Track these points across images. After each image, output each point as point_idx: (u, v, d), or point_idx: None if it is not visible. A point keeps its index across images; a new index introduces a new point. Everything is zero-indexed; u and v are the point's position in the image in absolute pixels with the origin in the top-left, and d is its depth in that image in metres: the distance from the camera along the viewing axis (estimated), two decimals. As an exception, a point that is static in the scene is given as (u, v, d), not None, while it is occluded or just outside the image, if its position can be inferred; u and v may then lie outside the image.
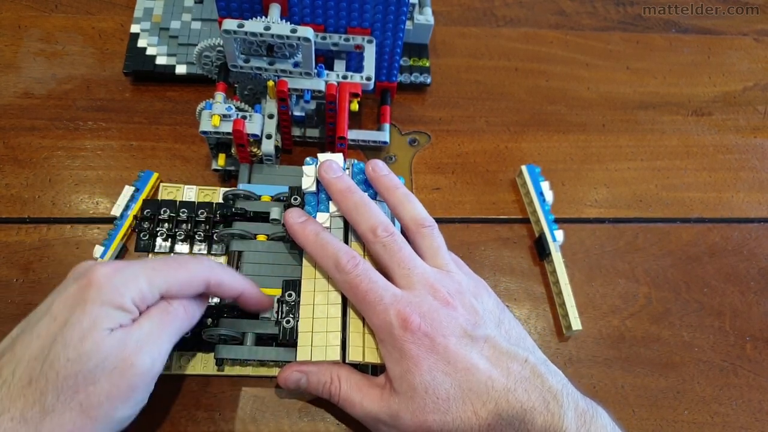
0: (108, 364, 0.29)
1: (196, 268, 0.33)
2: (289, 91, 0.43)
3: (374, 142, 0.49)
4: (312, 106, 0.49)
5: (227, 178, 0.47)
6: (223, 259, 0.42)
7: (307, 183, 0.40)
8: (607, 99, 0.56)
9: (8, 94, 0.50)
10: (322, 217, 0.40)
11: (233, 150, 0.44)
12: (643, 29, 0.62)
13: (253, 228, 0.41)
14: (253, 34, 0.41)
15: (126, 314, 0.30)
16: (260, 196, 0.42)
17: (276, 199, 0.43)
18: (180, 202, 0.43)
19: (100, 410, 0.29)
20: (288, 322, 0.37)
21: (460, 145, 0.52)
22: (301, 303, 0.38)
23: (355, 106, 0.45)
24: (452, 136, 0.52)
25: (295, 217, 0.39)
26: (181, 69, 0.51)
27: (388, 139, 0.49)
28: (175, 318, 0.32)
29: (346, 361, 0.36)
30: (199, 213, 0.42)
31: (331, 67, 0.47)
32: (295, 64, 0.44)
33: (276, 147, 0.44)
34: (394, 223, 0.39)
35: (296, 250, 0.41)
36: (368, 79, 0.45)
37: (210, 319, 0.39)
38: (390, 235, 0.36)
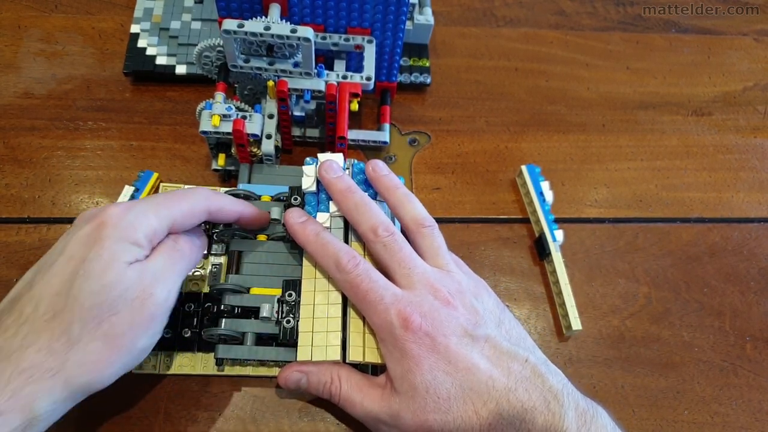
0: (129, 295, 0.31)
1: (197, 198, 0.36)
2: (289, 91, 0.43)
3: (374, 142, 0.49)
4: (312, 106, 0.49)
5: (227, 178, 0.47)
6: (223, 259, 0.42)
7: (308, 183, 0.40)
8: (607, 99, 0.56)
9: (8, 94, 0.50)
10: (322, 217, 0.40)
11: (233, 150, 0.44)
12: (643, 29, 0.62)
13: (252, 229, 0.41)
14: (253, 34, 0.41)
15: (140, 249, 0.32)
16: (260, 196, 0.42)
17: (276, 199, 0.43)
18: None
19: (124, 339, 0.31)
20: (288, 322, 0.37)
21: (460, 145, 0.52)
22: (301, 303, 0.38)
23: (355, 106, 0.45)
24: (452, 136, 0.52)
25: (295, 217, 0.39)
26: (181, 69, 0.51)
27: (388, 139, 0.49)
28: (182, 255, 0.34)
29: (347, 361, 0.36)
30: (199, 213, 0.42)
31: (331, 67, 0.47)
32: (295, 64, 0.44)
33: (276, 147, 0.44)
34: (394, 223, 0.39)
35: (296, 250, 0.41)
36: (368, 79, 0.45)
37: (210, 319, 0.39)
38: (390, 235, 0.36)
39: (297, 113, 0.48)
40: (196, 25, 0.52)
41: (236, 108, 0.44)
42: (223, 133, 0.42)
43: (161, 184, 0.45)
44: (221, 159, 0.45)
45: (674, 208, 0.51)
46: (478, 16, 0.60)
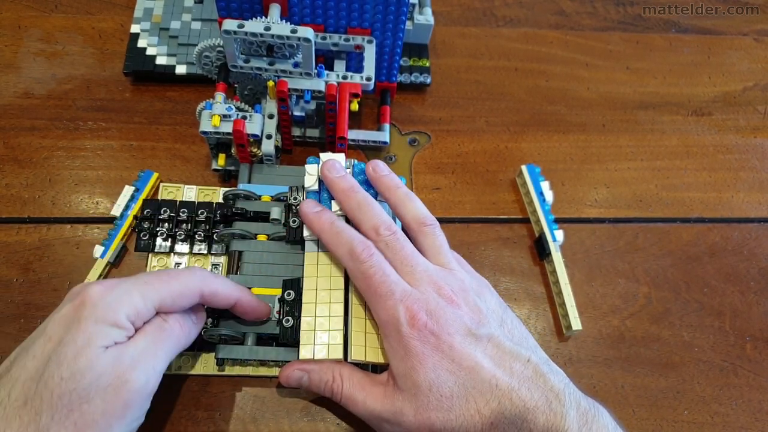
0: (102, 382, 0.29)
1: (189, 279, 0.34)
2: (289, 91, 0.43)
3: (374, 142, 0.49)
4: (312, 106, 0.49)
5: (227, 178, 0.47)
6: (223, 259, 0.42)
7: (310, 182, 0.40)
8: (607, 99, 0.56)
9: (8, 94, 0.50)
10: None
11: (233, 150, 0.44)
12: (643, 29, 0.62)
13: (254, 228, 0.41)
14: (253, 35, 0.41)
15: (121, 331, 0.30)
16: (260, 196, 0.42)
17: (276, 199, 0.43)
18: (180, 202, 0.43)
19: (96, 429, 0.29)
20: (288, 321, 0.37)
21: (460, 145, 0.52)
22: (303, 302, 0.38)
23: (355, 106, 0.45)
24: (452, 136, 0.52)
25: (310, 206, 0.39)
26: (181, 69, 0.51)
27: (388, 139, 0.49)
28: (170, 335, 0.33)
29: (348, 360, 0.36)
30: (199, 213, 0.42)
31: (331, 67, 0.47)
32: (295, 65, 0.44)
33: (276, 147, 0.44)
34: (395, 223, 0.39)
35: (296, 250, 0.41)
36: (368, 79, 0.45)
37: (210, 320, 0.39)
38: (392, 234, 0.36)
39: (297, 113, 0.48)
40: (196, 25, 0.52)
41: (236, 108, 0.44)
42: (223, 133, 0.42)
43: (161, 184, 0.45)
44: (221, 159, 0.45)
45: (674, 208, 0.51)
46: (478, 16, 0.60)
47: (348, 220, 0.39)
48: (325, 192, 0.40)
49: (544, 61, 0.58)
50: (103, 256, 0.42)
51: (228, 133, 0.42)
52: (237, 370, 0.39)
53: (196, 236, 0.42)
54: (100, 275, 0.42)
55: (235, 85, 0.48)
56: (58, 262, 0.43)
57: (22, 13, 0.55)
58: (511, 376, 0.33)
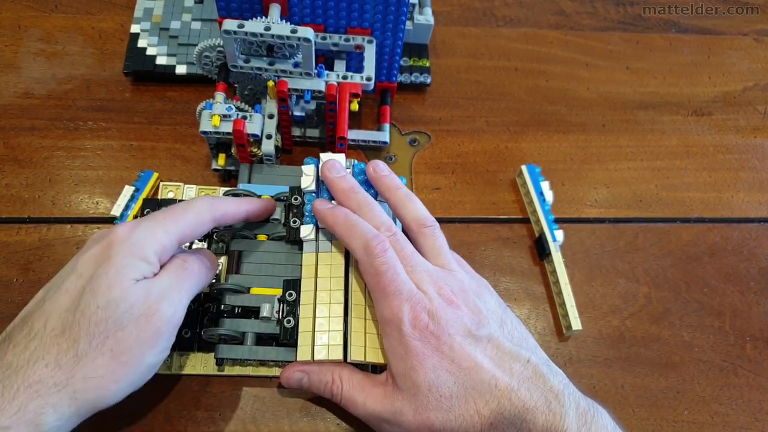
0: (135, 311, 0.31)
1: (200, 208, 0.36)
2: (289, 91, 0.43)
3: (374, 142, 0.49)
4: (312, 106, 0.49)
5: (227, 178, 0.47)
6: (223, 259, 0.42)
7: (307, 182, 0.40)
8: (607, 99, 0.56)
9: (8, 94, 0.50)
10: None
11: (233, 150, 0.44)
12: (643, 29, 0.62)
13: (253, 228, 0.41)
14: (253, 35, 0.41)
15: (149, 265, 0.33)
16: (260, 196, 0.42)
17: (276, 199, 0.43)
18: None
19: (130, 355, 0.31)
20: (289, 321, 0.37)
21: (460, 145, 0.52)
22: (301, 302, 0.38)
23: (355, 106, 0.45)
24: (452, 136, 0.52)
25: (323, 203, 0.39)
26: (181, 69, 0.51)
27: (388, 139, 0.49)
28: (191, 274, 0.35)
29: (348, 360, 0.36)
30: (199, 213, 0.42)
31: (331, 68, 0.47)
32: (295, 65, 0.44)
33: (276, 147, 0.44)
34: (395, 224, 0.39)
35: (296, 250, 0.41)
36: (368, 79, 0.45)
37: (210, 319, 0.39)
38: (392, 235, 0.36)
39: (297, 113, 0.48)
40: (196, 25, 0.52)
41: (236, 108, 0.44)
42: (223, 133, 0.42)
43: (161, 184, 0.45)
44: (221, 159, 0.45)
45: (674, 208, 0.51)
46: (478, 16, 0.60)
47: None
48: (324, 193, 0.40)
49: (544, 61, 0.58)
50: (103, 256, 0.42)
51: (228, 133, 0.42)
52: (237, 370, 0.39)
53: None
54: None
55: (235, 85, 0.48)
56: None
57: (22, 13, 0.55)
58: (510, 376, 0.33)
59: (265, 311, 0.38)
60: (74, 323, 0.30)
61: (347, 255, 0.39)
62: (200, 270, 0.35)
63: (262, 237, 0.41)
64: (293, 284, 0.39)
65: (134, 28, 0.52)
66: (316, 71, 0.44)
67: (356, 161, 0.42)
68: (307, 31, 0.41)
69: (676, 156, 0.54)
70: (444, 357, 0.33)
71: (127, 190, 0.45)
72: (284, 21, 0.42)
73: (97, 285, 0.31)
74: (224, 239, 0.42)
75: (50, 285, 0.33)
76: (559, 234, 0.46)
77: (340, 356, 0.36)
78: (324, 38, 0.46)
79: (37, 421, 0.28)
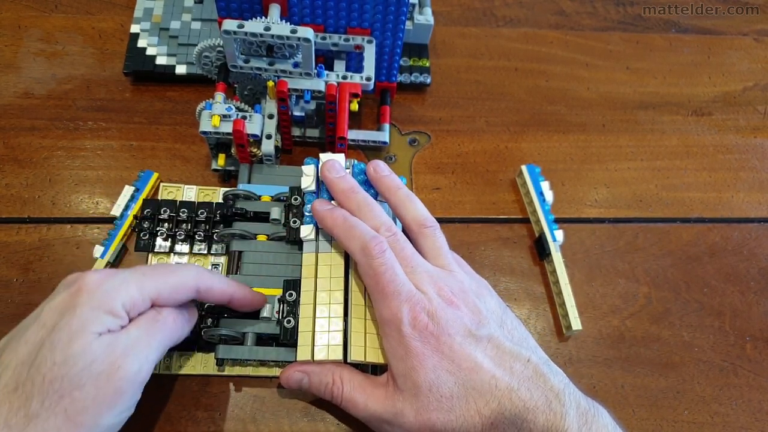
0: (95, 368, 0.29)
1: (185, 274, 0.34)
2: (289, 92, 0.43)
3: (374, 142, 0.49)
4: (312, 106, 0.49)
5: (227, 178, 0.47)
6: (223, 259, 0.42)
7: (307, 182, 0.40)
8: (607, 99, 0.56)
9: (8, 94, 0.50)
10: None
11: (233, 150, 0.44)
12: (643, 29, 0.62)
13: (253, 228, 0.41)
14: (253, 35, 0.41)
15: (116, 319, 0.30)
16: (260, 196, 0.42)
17: (276, 199, 0.43)
18: (180, 202, 0.43)
19: (86, 416, 0.29)
20: (289, 322, 0.37)
21: (460, 145, 0.52)
22: (301, 303, 0.38)
23: (355, 106, 0.45)
24: (452, 136, 0.52)
25: (322, 204, 0.39)
26: (181, 69, 0.51)
27: (388, 139, 0.49)
28: (163, 326, 0.33)
29: (348, 360, 0.36)
30: (199, 213, 0.42)
31: (331, 68, 0.47)
32: (295, 65, 0.44)
33: (276, 147, 0.44)
34: (396, 224, 0.39)
35: (296, 250, 0.41)
36: (368, 79, 0.45)
37: (210, 319, 0.39)
38: (392, 235, 0.36)
39: (297, 113, 0.48)
40: (196, 25, 0.52)
41: (236, 108, 0.44)
42: (223, 133, 0.42)
43: (161, 184, 0.45)
44: (221, 159, 0.45)
45: (674, 208, 0.51)
46: (478, 16, 0.60)
47: None
48: (324, 193, 0.40)
49: (544, 61, 0.58)
50: (103, 256, 0.42)
51: (228, 133, 0.42)
52: (237, 370, 0.39)
53: (196, 236, 0.42)
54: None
55: (235, 85, 0.48)
56: (58, 262, 0.43)
57: (22, 13, 0.55)
58: (511, 376, 0.33)
59: (265, 311, 0.38)
60: (27, 379, 0.28)
61: (347, 255, 0.39)
62: (174, 322, 0.33)
63: (262, 237, 0.41)
64: (293, 284, 0.39)
65: (134, 28, 0.52)
66: (315, 71, 0.44)
67: (356, 161, 0.42)
68: (306, 31, 0.41)
69: (676, 156, 0.54)
70: (444, 357, 0.33)
71: (127, 190, 0.45)
72: (284, 21, 0.42)
73: (57, 338, 0.29)
74: (224, 239, 0.42)
75: (14, 333, 0.31)
76: (559, 234, 0.46)
77: (340, 356, 0.36)
78: (324, 38, 0.46)
79: None
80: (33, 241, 0.44)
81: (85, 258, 0.43)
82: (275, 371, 0.39)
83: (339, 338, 0.36)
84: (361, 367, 0.38)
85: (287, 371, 0.37)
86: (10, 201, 0.45)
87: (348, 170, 0.41)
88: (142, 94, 0.51)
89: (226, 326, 0.38)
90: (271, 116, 0.44)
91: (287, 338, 0.37)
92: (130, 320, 0.32)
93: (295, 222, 0.40)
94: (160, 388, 0.39)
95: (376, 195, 0.41)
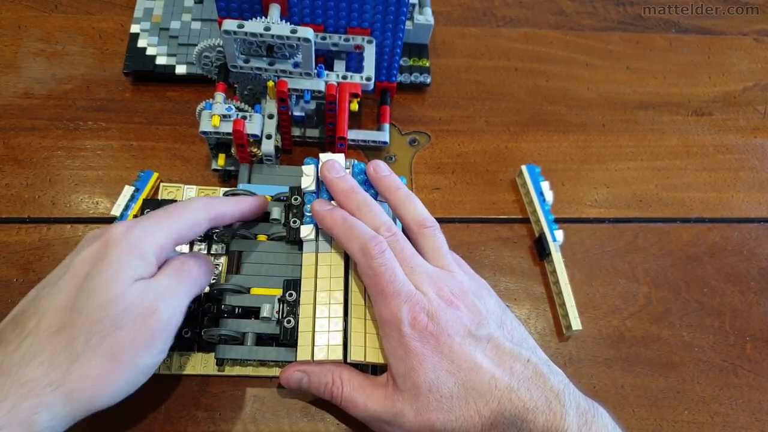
0: (133, 311, 0.31)
1: (196, 209, 0.36)
2: (289, 92, 0.43)
3: (374, 142, 0.49)
4: (312, 106, 0.49)
5: (227, 178, 0.47)
6: (223, 259, 0.42)
7: (307, 182, 0.40)
8: (607, 99, 0.56)
9: (8, 94, 0.50)
10: None
11: (233, 150, 0.44)
12: (643, 29, 0.62)
13: (253, 228, 0.41)
14: (253, 35, 0.41)
15: (146, 265, 0.32)
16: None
17: (276, 199, 0.43)
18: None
19: (126, 355, 0.31)
20: (289, 322, 0.37)
21: (460, 145, 0.52)
22: (301, 303, 0.38)
23: (355, 106, 0.45)
24: (452, 136, 0.52)
25: (322, 204, 0.39)
26: (181, 69, 0.51)
27: (388, 139, 0.49)
28: (189, 276, 0.35)
29: (348, 360, 0.36)
30: (199, 213, 0.42)
31: (331, 68, 0.47)
32: (295, 65, 0.44)
33: (276, 147, 0.44)
34: (396, 224, 0.39)
35: (296, 250, 0.41)
36: (368, 79, 0.45)
37: (210, 320, 0.39)
38: (392, 235, 0.36)
39: (297, 113, 0.48)
40: (196, 25, 0.52)
41: (236, 108, 0.44)
42: (223, 133, 0.42)
43: (161, 184, 0.45)
44: (221, 159, 0.45)
45: (674, 208, 0.51)
46: (478, 16, 0.60)
47: None
48: (324, 193, 0.40)
49: (544, 61, 0.58)
50: (103, 256, 0.42)
51: (228, 133, 0.42)
52: (237, 370, 0.39)
53: (197, 236, 0.42)
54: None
55: (235, 85, 0.48)
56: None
57: (22, 13, 0.55)
58: (510, 376, 0.33)
59: (265, 311, 0.38)
60: (70, 322, 0.30)
61: (347, 255, 0.39)
62: (198, 273, 0.35)
63: (262, 237, 0.41)
64: (293, 284, 0.39)
65: (134, 28, 0.52)
66: (315, 71, 0.44)
67: (356, 161, 0.42)
68: (306, 31, 0.41)
69: (676, 156, 0.54)
70: (444, 357, 0.33)
71: (127, 190, 0.45)
72: (284, 21, 0.42)
73: (95, 284, 0.30)
74: (224, 239, 0.42)
75: (44, 283, 0.32)
76: (559, 234, 0.46)
77: (340, 356, 0.36)
78: (324, 38, 0.46)
79: (29, 420, 0.28)
80: (33, 241, 0.44)
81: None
82: (275, 371, 0.39)
83: (339, 338, 0.36)
84: (361, 367, 0.38)
85: (287, 371, 0.37)
86: (10, 201, 0.45)
87: (348, 170, 0.41)
88: (142, 94, 0.51)
89: (226, 326, 0.38)
90: (271, 116, 0.44)
91: (287, 338, 0.37)
92: (159, 267, 0.34)
93: (295, 222, 0.40)
94: (160, 388, 0.39)
95: (376, 195, 0.41)
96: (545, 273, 0.46)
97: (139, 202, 0.44)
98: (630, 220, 0.50)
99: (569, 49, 0.59)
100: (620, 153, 0.53)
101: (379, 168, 0.40)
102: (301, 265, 0.39)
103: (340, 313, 0.37)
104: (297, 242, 0.41)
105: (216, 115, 0.42)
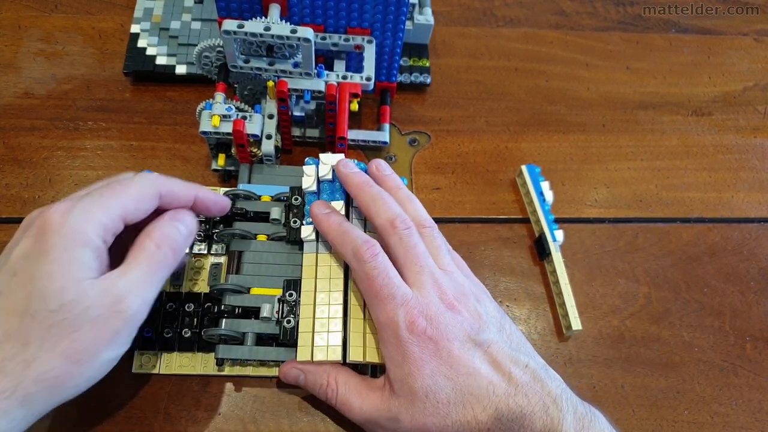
0: (92, 312, 0.29)
1: (143, 183, 0.33)
2: (289, 92, 0.43)
3: (374, 142, 0.49)
4: (312, 106, 0.49)
5: (227, 178, 0.47)
6: (223, 259, 0.42)
7: (308, 183, 0.40)
8: (607, 99, 0.56)
9: (8, 94, 0.50)
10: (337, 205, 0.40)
11: (233, 150, 0.44)
12: (643, 29, 0.62)
13: (253, 228, 0.41)
14: (253, 35, 0.41)
15: (93, 252, 0.30)
16: (260, 196, 0.42)
17: (276, 199, 0.43)
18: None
19: (85, 354, 0.29)
20: (288, 322, 0.37)
21: (460, 145, 0.52)
22: (301, 303, 0.38)
23: (355, 106, 0.45)
24: (452, 136, 0.52)
25: (321, 207, 0.39)
26: (181, 69, 0.51)
27: (388, 139, 0.49)
28: (164, 263, 0.32)
29: (347, 360, 0.36)
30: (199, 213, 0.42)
31: (331, 68, 0.47)
32: (295, 65, 0.44)
33: (276, 147, 0.44)
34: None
35: (296, 250, 0.41)
36: (368, 79, 0.45)
37: (210, 319, 0.39)
38: (408, 228, 0.36)
39: (297, 113, 0.48)
40: (196, 25, 0.52)
41: (236, 108, 0.44)
42: (223, 133, 0.42)
43: (161, 184, 0.45)
44: (221, 159, 0.45)
45: (674, 208, 0.51)
46: (478, 16, 0.60)
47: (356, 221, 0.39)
48: (324, 193, 0.40)
49: (544, 61, 0.58)
50: (103, 256, 0.42)
51: (228, 133, 0.42)
52: (237, 370, 0.39)
53: (196, 236, 0.42)
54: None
55: (235, 85, 0.48)
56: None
57: (22, 13, 0.55)
58: (509, 381, 0.33)
59: (265, 311, 0.38)
60: (22, 328, 0.28)
61: (347, 255, 0.39)
62: (174, 254, 0.33)
63: (262, 237, 0.41)
64: (293, 284, 0.39)
65: (134, 28, 0.52)
66: (315, 71, 0.44)
67: (356, 161, 0.42)
68: (306, 31, 0.41)
69: (676, 156, 0.54)
70: (442, 362, 0.33)
71: (127, 190, 0.44)
72: (284, 21, 0.42)
73: (45, 287, 0.28)
74: (224, 239, 0.42)
75: None
76: (559, 234, 0.46)
77: (339, 357, 0.36)
78: (324, 38, 0.46)
79: None
80: (33, 241, 0.44)
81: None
82: (275, 371, 0.39)
83: (338, 339, 0.36)
84: (360, 367, 0.38)
85: (285, 366, 0.37)
86: (10, 201, 0.45)
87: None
88: (142, 94, 0.51)
89: (226, 326, 0.38)
90: (271, 116, 0.44)
91: (287, 338, 0.37)
92: (110, 248, 0.31)
93: (295, 222, 0.40)
94: (160, 388, 0.39)
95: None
96: (545, 273, 0.46)
97: (139, 202, 0.44)
98: (630, 220, 0.50)
99: (569, 49, 0.59)
100: (620, 153, 0.53)
101: (381, 167, 0.40)
102: (301, 265, 0.39)
103: (340, 313, 0.37)
104: (297, 242, 0.41)
105: (216, 115, 0.42)
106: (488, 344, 0.34)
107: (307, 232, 0.39)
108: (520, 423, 0.32)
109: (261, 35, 0.41)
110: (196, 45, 0.46)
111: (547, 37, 0.60)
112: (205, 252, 0.42)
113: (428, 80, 0.54)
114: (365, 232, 0.40)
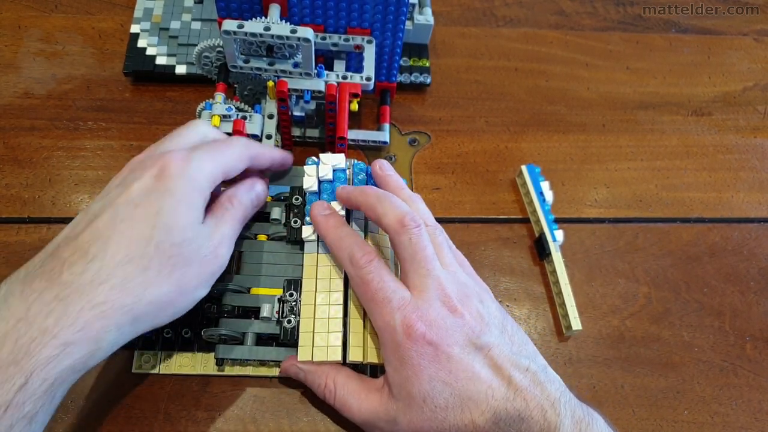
0: (202, 252, 0.34)
1: (240, 145, 0.38)
2: (289, 92, 0.43)
3: (374, 142, 0.49)
4: (312, 106, 0.49)
5: (227, 178, 0.47)
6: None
7: (309, 183, 0.40)
8: (607, 99, 0.56)
9: (8, 94, 0.50)
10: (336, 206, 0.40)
11: (233, 150, 0.44)
12: (643, 29, 0.62)
13: (254, 228, 0.41)
14: (253, 35, 0.41)
15: (204, 200, 0.35)
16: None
17: (276, 199, 0.43)
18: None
19: (189, 287, 0.34)
20: (289, 322, 0.37)
21: (460, 145, 0.52)
22: (301, 303, 0.38)
23: (354, 106, 0.45)
24: (452, 136, 0.52)
25: (319, 209, 0.39)
26: (181, 69, 0.51)
27: (388, 139, 0.49)
28: (241, 224, 0.38)
29: (347, 361, 0.36)
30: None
31: (331, 68, 0.47)
32: (295, 65, 0.44)
33: (276, 147, 0.44)
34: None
35: (297, 250, 0.41)
36: (368, 79, 0.45)
37: (209, 320, 0.39)
38: (418, 227, 0.35)
39: (297, 113, 0.48)
40: (196, 25, 0.52)
41: (236, 108, 0.44)
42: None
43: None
44: (221, 159, 0.45)
45: (674, 208, 0.51)
46: (478, 16, 0.60)
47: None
48: (324, 193, 0.40)
49: (544, 61, 0.58)
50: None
51: (228, 134, 0.42)
52: (237, 370, 0.39)
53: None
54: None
55: (235, 85, 0.48)
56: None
57: (22, 13, 0.55)
58: (508, 385, 0.32)
59: (265, 311, 0.38)
60: (145, 254, 0.31)
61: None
62: (252, 210, 0.39)
63: (262, 237, 0.41)
64: (293, 284, 0.39)
65: (134, 28, 0.52)
66: (315, 71, 0.44)
67: (356, 161, 0.42)
68: (306, 31, 0.41)
69: (676, 156, 0.54)
70: (441, 368, 0.32)
71: (127, 190, 0.44)
72: (284, 21, 0.42)
73: (171, 222, 0.32)
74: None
75: (96, 208, 0.33)
76: (559, 234, 0.46)
77: (339, 357, 0.36)
78: (324, 38, 0.46)
79: (98, 338, 0.30)
80: (33, 241, 0.44)
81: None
82: (275, 371, 0.39)
83: (338, 339, 0.36)
84: (360, 367, 0.38)
85: (285, 363, 0.38)
86: (10, 201, 0.45)
87: (348, 170, 0.41)
88: (142, 94, 0.51)
89: (226, 326, 0.38)
90: (271, 116, 0.44)
91: (287, 338, 0.37)
92: (215, 207, 0.37)
93: (295, 222, 0.40)
94: (161, 388, 0.39)
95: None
96: (545, 273, 0.46)
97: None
98: (630, 220, 0.50)
99: (569, 49, 0.59)
100: (620, 153, 0.53)
101: (384, 167, 0.40)
102: (301, 265, 0.39)
103: (340, 314, 0.37)
104: (297, 242, 0.41)
105: (216, 115, 0.42)
106: (489, 347, 0.33)
107: (307, 232, 0.39)
108: (517, 427, 0.32)
109: (261, 35, 0.41)
110: (196, 45, 0.46)
111: (547, 37, 0.60)
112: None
113: (428, 80, 0.54)
114: (368, 232, 0.40)
